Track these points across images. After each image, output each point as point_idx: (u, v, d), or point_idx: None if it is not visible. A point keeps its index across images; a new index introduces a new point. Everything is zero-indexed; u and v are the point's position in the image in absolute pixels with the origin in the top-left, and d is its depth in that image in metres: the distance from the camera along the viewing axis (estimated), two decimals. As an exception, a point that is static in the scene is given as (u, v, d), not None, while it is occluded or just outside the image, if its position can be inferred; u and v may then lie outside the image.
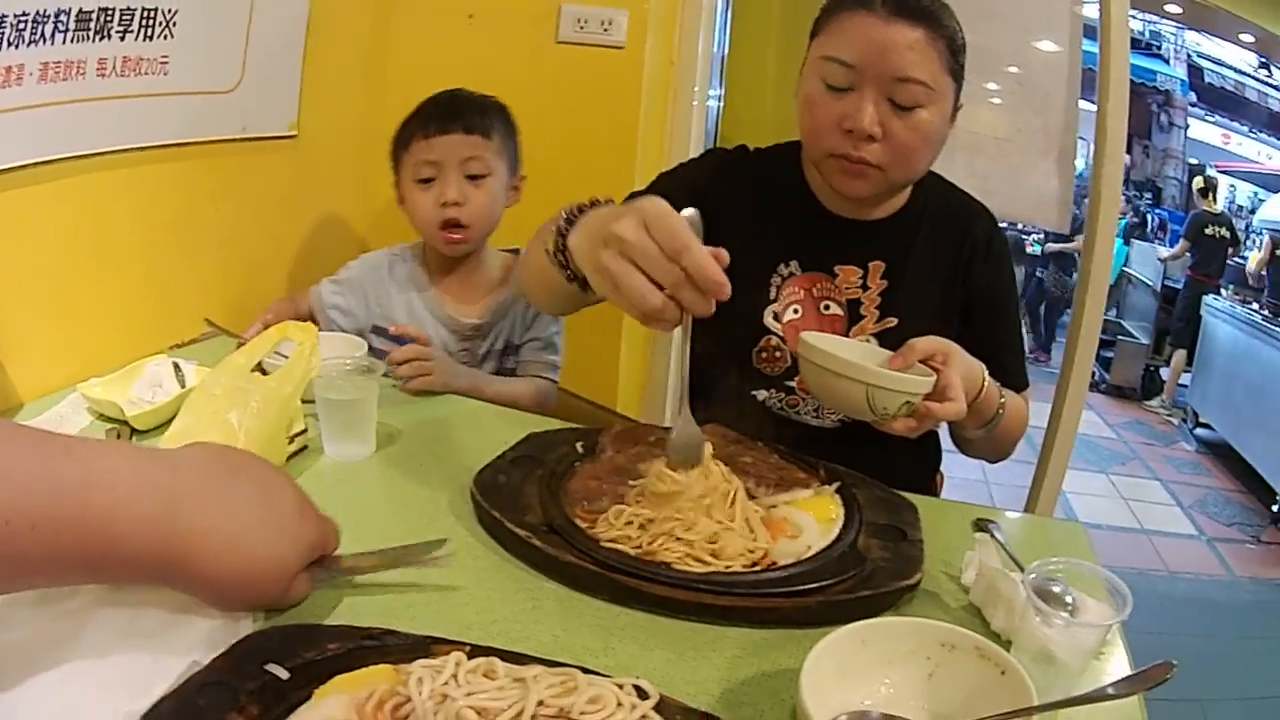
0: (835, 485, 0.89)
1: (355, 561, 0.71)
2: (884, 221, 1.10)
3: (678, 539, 0.76)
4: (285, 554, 0.64)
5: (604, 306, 0.85)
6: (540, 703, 0.57)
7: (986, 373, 0.96)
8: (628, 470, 0.85)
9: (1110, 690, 0.62)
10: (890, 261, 1.08)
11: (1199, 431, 4.48)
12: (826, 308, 1.09)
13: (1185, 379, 4.88)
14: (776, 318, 1.09)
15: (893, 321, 1.08)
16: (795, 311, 1.09)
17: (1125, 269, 5.60)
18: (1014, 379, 1.08)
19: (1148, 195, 7.48)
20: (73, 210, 1.13)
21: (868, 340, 1.06)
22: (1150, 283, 5.44)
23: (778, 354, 1.09)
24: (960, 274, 1.10)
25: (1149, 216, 7.18)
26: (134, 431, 0.98)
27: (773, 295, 1.09)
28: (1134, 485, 3.99)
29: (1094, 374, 4.94)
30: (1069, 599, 0.69)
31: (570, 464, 0.88)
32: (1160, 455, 4.30)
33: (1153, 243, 6.29)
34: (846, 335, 1.07)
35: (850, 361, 0.86)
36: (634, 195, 0.95)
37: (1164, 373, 5.09)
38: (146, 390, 1.04)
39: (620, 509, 0.79)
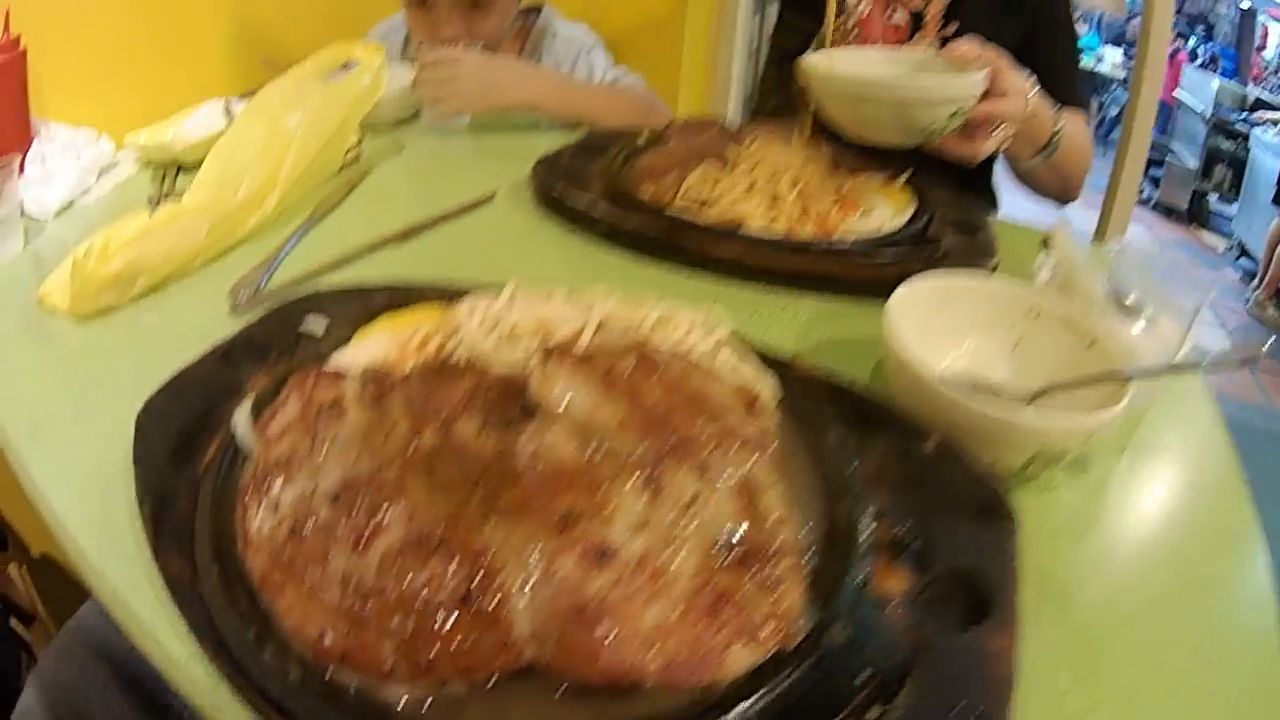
0: (906, 175, 0.86)
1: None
2: None
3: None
4: None
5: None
6: (603, 321, 0.52)
7: (1036, 88, 0.85)
8: (695, 154, 0.83)
9: (1207, 364, 0.56)
10: None
11: (1243, 262, 4.36)
12: (890, 16, 1.04)
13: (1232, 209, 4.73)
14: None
15: (952, 29, 1.01)
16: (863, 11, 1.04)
17: (1176, 93, 5.32)
18: (1066, 90, 0.95)
19: (1200, 28, 7.19)
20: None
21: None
22: (1200, 110, 5.19)
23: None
24: None
25: (1199, 49, 6.89)
26: (179, 172, 0.95)
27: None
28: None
29: (1142, 190, 4.81)
30: (1144, 310, 0.64)
31: (634, 150, 0.86)
32: (1207, 279, 4.21)
33: (1205, 70, 5.98)
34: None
35: (874, 80, 0.76)
36: None
37: (1212, 199, 4.94)
38: (196, 128, 1.02)
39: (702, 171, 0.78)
